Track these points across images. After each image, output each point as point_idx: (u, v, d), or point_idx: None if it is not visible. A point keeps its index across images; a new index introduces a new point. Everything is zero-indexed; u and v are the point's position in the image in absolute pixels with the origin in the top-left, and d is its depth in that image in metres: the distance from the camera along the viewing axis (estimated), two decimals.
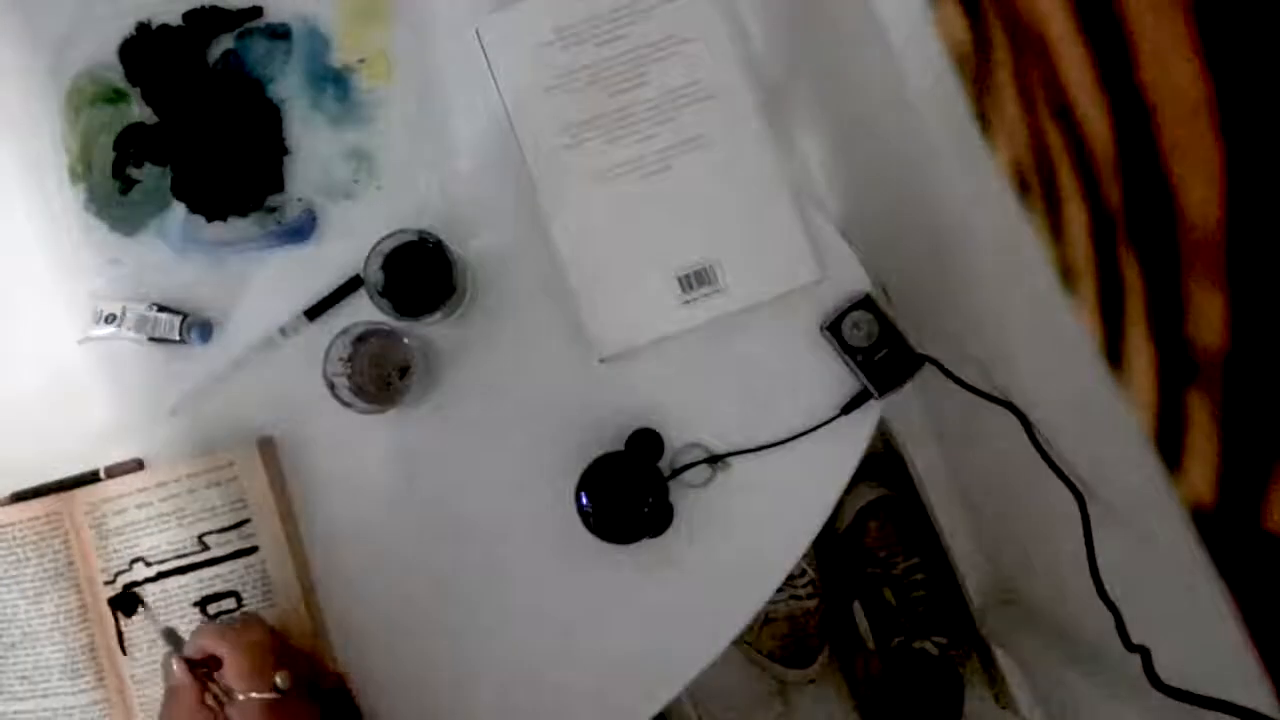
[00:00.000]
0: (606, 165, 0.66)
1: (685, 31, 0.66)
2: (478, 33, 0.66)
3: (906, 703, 0.98)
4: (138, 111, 0.67)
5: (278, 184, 0.67)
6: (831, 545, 1.06)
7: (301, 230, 0.66)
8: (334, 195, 0.67)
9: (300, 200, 0.67)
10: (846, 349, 0.64)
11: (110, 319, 0.65)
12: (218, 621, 0.62)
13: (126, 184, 0.67)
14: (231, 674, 0.55)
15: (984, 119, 0.46)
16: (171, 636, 0.58)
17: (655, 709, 0.64)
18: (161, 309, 0.66)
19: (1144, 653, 0.53)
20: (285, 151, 0.67)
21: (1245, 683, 0.44)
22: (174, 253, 0.67)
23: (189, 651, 0.57)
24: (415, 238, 0.60)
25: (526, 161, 0.66)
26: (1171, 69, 0.29)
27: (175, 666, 0.56)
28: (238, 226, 0.67)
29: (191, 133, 0.66)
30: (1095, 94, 0.34)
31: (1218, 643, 0.45)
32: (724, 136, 0.66)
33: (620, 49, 0.66)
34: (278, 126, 0.67)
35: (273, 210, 0.66)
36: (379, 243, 0.60)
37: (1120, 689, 0.67)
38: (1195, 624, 0.50)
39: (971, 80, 0.46)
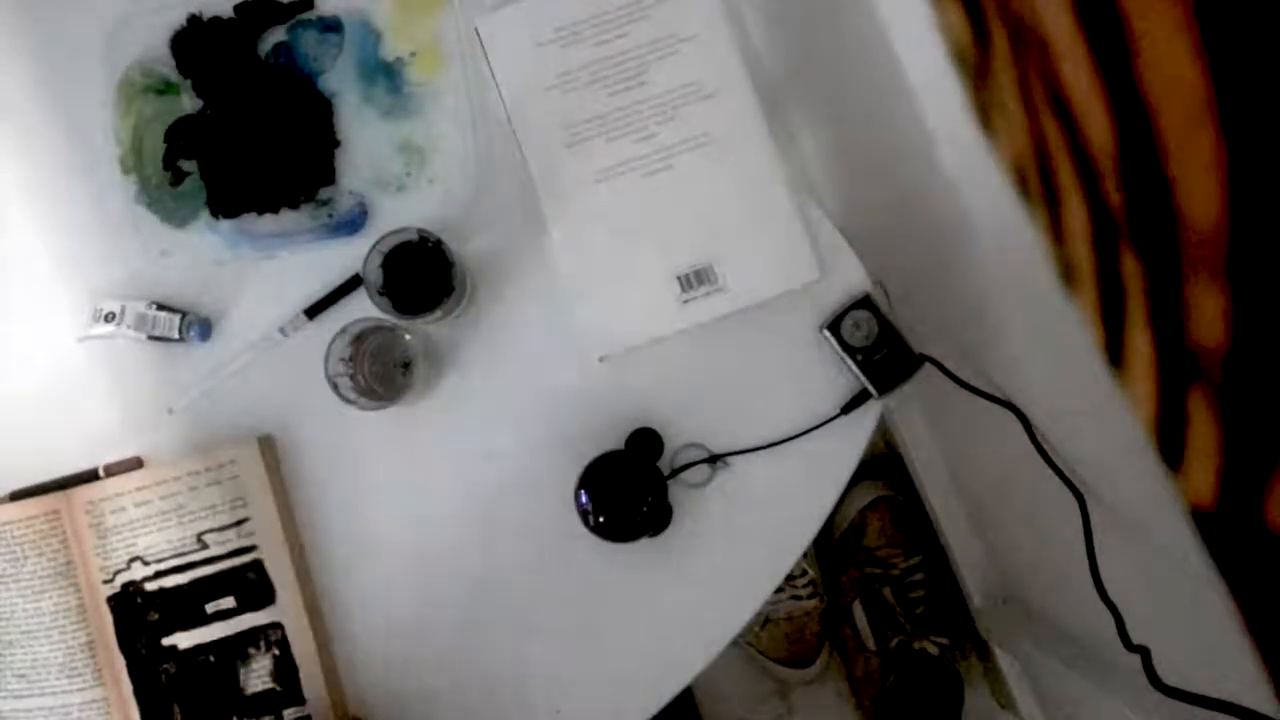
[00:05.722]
0: (606, 164, 0.66)
1: (685, 30, 0.66)
2: (477, 31, 0.66)
3: (906, 703, 0.98)
4: (189, 103, 0.67)
5: (329, 176, 0.67)
6: (831, 545, 1.06)
7: (353, 223, 0.66)
8: (386, 188, 0.66)
9: (352, 193, 0.66)
10: (846, 349, 0.64)
11: (109, 317, 0.65)
12: None
13: (177, 176, 0.67)
14: None
15: (984, 117, 0.46)
16: None
17: (654, 709, 0.64)
18: (161, 307, 0.66)
19: (1144, 653, 0.53)
20: (336, 144, 0.67)
21: (1245, 683, 0.44)
22: (225, 245, 0.67)
23: None
24: (415, 237, 0.60)
25: (526, 161, 0.66)
26: (1172, 68, 0.29)
27: None
28: (289, 219, 0.67)
29: (243, 125, 0.66)
30: (1096, 93, 0.34)
31: (1218, 643, 0.45)
32: (724, 136, 0.66)
33: (620, 48, 0.66)
34: (329, 119, 0.67)
35: (324, 203, 0.66)
36: (378, 241, 0.60)
37: (1120, 689, 0.67)
38: (1195, 624, 0.50)
39: (972, 79, 0.46)
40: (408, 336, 0.61)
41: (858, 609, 1.02)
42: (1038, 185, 0.42)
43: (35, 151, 0.68)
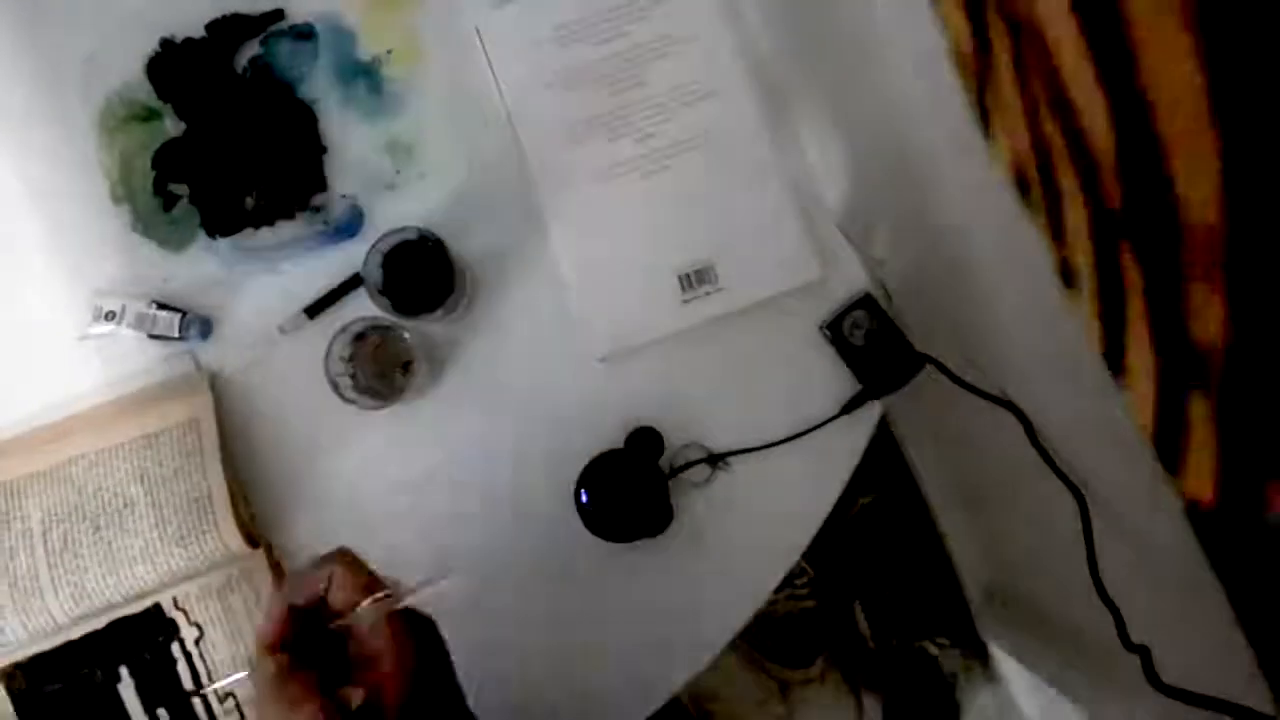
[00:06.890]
0: (606, 164, 0.66)
1: (685, 30, 0.66)
2: (477, 30, 0.66)
3: (906, 703, 0.98)
4: (172, 127, 0.67)
5: (320, 183, 0.67)
6: (832, 545, 1.06)
7: (349, 227, 0.66)
8: (377, 188, 0.66)
9: (345, 197, 0.66)
10: (846, 348, 0.64)
11: (110, 316, 0.65)
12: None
13: (169, 200, 0.67)
14: (349, 586, 0.49)
15: (984, 118, 0.46)
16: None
17: (653, 708, 0.64)
18: (161, 306, 0.65)
19: (1144, 653, 0.53)
20: (323, 150, 0.67)
21: (1245, 683, 0.44)
22: (225, 263, 0.66)
23: (298, 599, 0.49)
24: (415, 236, 0.60)
25: (526, 160, 0.66)
26: (1172, 68, 0.29)
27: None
28: (286, 230, 0.67)
29: (228, 142, 0.66)
30: (1095, 93, 0.34)
31: (1218, 643, 0.45)
32: (723, 135, 0.66)
33: (621, 47, 0.66)
34: (313, 126, 0.67)
35: (318, 210, 0.66)
36: (378, 241, 0.60)
37: (1120, 689, 0.67)
38: (1195, 624, 0.50)
39: (972, 78, 0.46)
40: (407, 336, 0.61)
41: (858, 609, 1.02)
42: (1038, 185, 0.42)
43: (26, 178, 0.68)
